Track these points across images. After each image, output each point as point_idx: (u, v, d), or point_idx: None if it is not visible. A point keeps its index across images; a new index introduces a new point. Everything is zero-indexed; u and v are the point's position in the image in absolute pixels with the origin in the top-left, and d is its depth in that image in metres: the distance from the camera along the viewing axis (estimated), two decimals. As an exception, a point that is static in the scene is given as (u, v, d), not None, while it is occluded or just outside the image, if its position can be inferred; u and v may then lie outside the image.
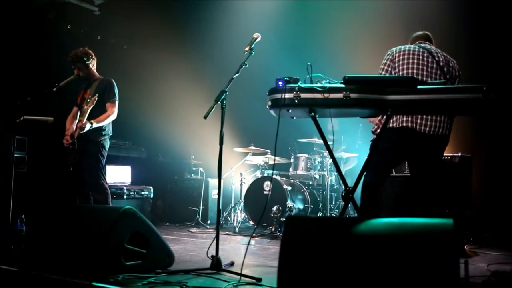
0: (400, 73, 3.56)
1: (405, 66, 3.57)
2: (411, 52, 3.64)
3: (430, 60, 3.60)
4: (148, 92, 7.66)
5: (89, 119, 4.33)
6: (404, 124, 3.50)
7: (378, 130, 3.61)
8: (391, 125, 3.53)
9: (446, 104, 2.79)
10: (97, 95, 4.35)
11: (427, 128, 3.49)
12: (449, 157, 5.02)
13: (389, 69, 3.63)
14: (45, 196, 5.78)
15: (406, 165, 4.86)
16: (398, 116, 3.54)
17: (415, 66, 3.55)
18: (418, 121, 3.50)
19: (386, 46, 3.80)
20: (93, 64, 4.64)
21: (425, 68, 3.55)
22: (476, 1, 5.92)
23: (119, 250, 3.03)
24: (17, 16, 6.36)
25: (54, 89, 4.40)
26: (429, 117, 3.51)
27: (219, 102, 3.42)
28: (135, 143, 7.52)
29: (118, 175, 6.65)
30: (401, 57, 3.62)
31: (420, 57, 3.61)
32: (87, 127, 4.28)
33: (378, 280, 1.96)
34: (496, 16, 5.76)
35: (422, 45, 3.74)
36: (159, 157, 8.02)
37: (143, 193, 6.68)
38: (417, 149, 3.58)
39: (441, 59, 3.63)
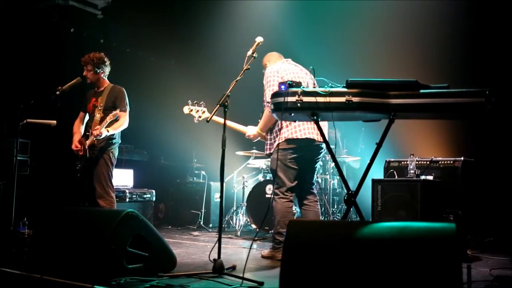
0: None
1: None
2: (297, 73, 3.93)
3: (309, 81, 3.82)
4: (150, 95, 7.66)
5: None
6: (307, 136, 3.86)
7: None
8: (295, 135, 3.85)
9: (448, 108, 2.80)
10: (113, 113, 4.40)
11: (318, 137, 3.84)
12: (451, 161, 4.97)
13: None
14: (47, 199, 5.78)
15: (408, 169, 4.85)
16: (299, 127, 3.86)
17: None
18: (314, 131, 3.85)
19: (389, 49, 3.78)
20: (103, 72, 4.66)
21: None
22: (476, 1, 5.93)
23: (121, 253, 3.03)
24: (20, 19, 6.38)
25: (58, 92, 4.41)
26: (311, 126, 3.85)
27: (221, 106, 3.43)
28: (137, 146, 7.52)
29: (120, 178, 6.64)
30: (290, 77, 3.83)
31: (305, 79, 3.86)
32: (104, 134, 4.33)
33: (380, 284, 1.95)
34: (496, 16, 5.76)
35: (293, 64, 4.05)
36: (161, 160, 8.01)
37: (145, 196, 6.68)
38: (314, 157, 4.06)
39: (310, 77, 3.87)
